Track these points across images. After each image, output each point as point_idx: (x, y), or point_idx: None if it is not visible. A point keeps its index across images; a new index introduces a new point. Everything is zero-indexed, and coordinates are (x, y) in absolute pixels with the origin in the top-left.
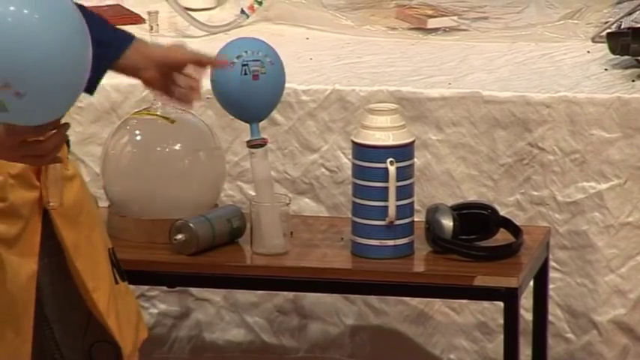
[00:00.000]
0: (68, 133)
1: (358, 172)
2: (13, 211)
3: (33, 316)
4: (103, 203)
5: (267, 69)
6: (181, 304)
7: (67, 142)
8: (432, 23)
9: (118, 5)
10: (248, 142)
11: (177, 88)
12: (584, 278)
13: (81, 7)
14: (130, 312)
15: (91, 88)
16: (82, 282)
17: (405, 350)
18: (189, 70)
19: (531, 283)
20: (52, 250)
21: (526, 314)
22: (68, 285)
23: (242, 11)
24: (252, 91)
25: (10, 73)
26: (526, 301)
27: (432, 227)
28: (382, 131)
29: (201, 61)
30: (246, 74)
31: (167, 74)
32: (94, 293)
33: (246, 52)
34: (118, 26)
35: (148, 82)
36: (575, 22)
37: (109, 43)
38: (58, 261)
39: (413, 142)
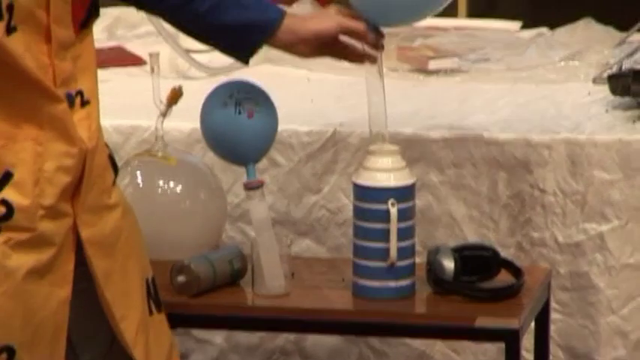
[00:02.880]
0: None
1: (359, 213)
2: (44, 240)
3: (65, 341)
4: None
5: (260, 107)
6: (182, 345)
7: (115, 170)
8: (433, 65)
9: (119, 47)
10: (245, 184)
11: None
12: (585, 319)
13: None
14: (162, 344)
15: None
16: (111, 311)
17: None
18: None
19: (532, 324)
20: (85, 276)
21: (527, 355)
22: (97, 312)
23: None
24: (248, 130)
25: None
26: (527, 342)
27: (433, 268)
28: (383, 172)
29: (351, 32)
30: (240, 113)
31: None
32: (121, 323)
33: (238, 90)
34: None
35: (304, 56)
36: (576, 63)
37: (257, 25)
38: (89, 287)
39: (414, 183)
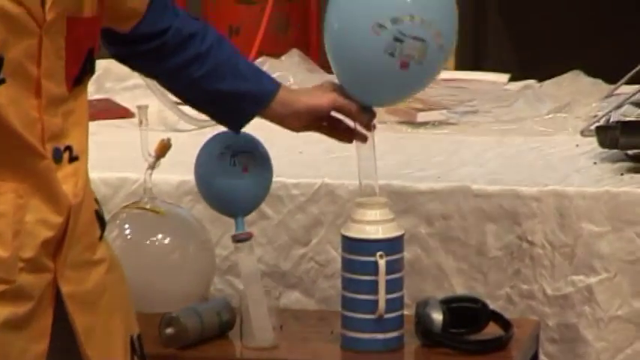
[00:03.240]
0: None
1: (348, 265)
2: (21, 293)
3: None
4: None
5: (256, 161)
6: None
7: (103, 225)
8: (421, 117)
9: (108, 99)
10: (233, 236)
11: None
12: None
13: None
14: None
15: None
16: None
17: None
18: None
19: None
20: (65, 332)
21: None
22: None
23: None
24: (241, 184)
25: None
26: None
27: (421, 321)
28: (372, 225)
29: (344, 110)
30: (235, 165)
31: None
32: None
33: (235, 142)
34: (258, 67)
35: (294, 129)
36: (564, 115)
37: (252, 95)
38: (69, 343)
39: (402, 235)
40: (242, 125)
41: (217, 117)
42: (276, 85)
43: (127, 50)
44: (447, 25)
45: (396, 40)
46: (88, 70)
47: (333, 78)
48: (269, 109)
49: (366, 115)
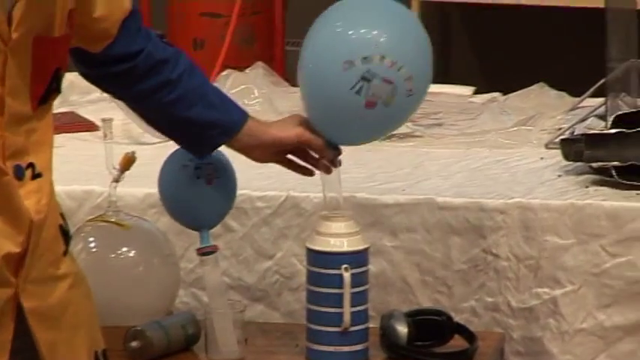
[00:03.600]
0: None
1: (313, 278)
2: None
3: None
4: None
5: (220, 173)
6: None
7: (67, 240)
8: None
9: (72, 113)
10: (198, 249)
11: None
12: None
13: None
14: None
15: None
16: None
17: None
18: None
19: None
20: (28, 347)
21: None
22: None
23: None
24: (205, 196)
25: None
26: None
27: (386, 333)
28: (337, 238)
29: (310, 145)
30: (199, 178)
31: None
32: None
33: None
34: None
35: (259, 160)
36: (529, 128)
37: (220, 125)
38: (32, 359)
39: (367, 248)
40: (208, 153)
41: (183, 144)
42: (244, 116)
43: (98, 71)
44: (420, 71)
45: (364, 79)
46: (54, 89)
47: (297, 92)
48: (235, 139)
49: (332, 151)
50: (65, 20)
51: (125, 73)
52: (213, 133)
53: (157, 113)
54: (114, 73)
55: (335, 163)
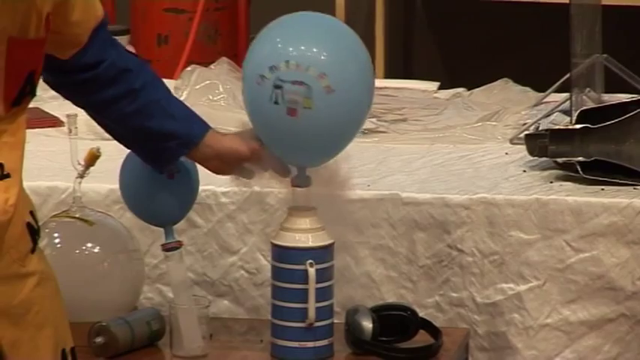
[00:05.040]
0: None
1: (277, 273)
2: None
3: None
4: None
5: (181, 167)
6: None
7: (35, 239)
8: None
9: (37, 108)
10: (163, 245)
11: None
12: None
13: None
14: None
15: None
16: None
17: None
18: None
19: None
20: None
21: None
22: None
23: None
24: (167, 191)
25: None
26: None
27: (351, 329)
28: (301, 233)
29: (265, 160)
30: (160, 172)
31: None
32: None
33: None
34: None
35: (215, 171)
36: (494, 124)
37: (180, 137)
38: None
39: (332, 243)
40: (167, 165)
41: (143, 155)
42: (205, 128)
43: (61, 78)
44: (335, 67)
45: (276, 87)
46: (27, 92)
47: None
48: (195, 150)
49: (284, 167)
50: (42, 23)
51: (87, 82)
52: (173, 146)
53: (117, 124)
54: (76, 81)
55: (285, 173)
